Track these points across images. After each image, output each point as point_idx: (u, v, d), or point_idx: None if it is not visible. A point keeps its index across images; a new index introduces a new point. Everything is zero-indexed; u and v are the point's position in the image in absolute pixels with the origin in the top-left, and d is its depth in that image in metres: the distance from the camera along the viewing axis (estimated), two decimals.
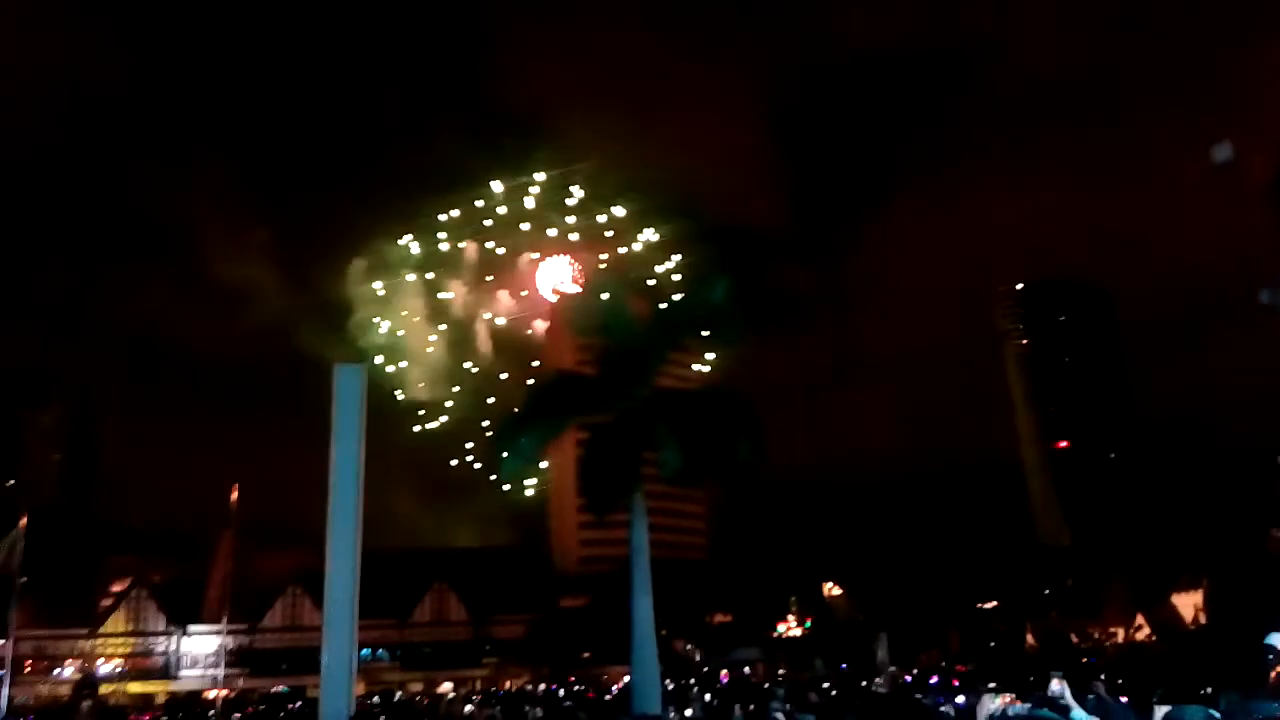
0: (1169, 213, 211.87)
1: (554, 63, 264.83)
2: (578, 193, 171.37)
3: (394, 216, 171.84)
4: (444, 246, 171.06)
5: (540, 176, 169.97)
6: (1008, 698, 18.74)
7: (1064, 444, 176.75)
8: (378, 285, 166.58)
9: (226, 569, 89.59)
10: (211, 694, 78.35)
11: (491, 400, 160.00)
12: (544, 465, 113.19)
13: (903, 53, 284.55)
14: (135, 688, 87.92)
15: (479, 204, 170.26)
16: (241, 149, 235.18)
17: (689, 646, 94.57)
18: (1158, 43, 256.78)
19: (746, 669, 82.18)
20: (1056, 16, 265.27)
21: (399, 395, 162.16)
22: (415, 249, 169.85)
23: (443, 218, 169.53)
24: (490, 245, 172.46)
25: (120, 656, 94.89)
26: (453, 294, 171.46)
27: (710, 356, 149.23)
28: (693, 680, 51.91)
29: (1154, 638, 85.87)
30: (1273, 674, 19.11)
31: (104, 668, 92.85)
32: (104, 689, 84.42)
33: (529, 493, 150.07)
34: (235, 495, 48.04)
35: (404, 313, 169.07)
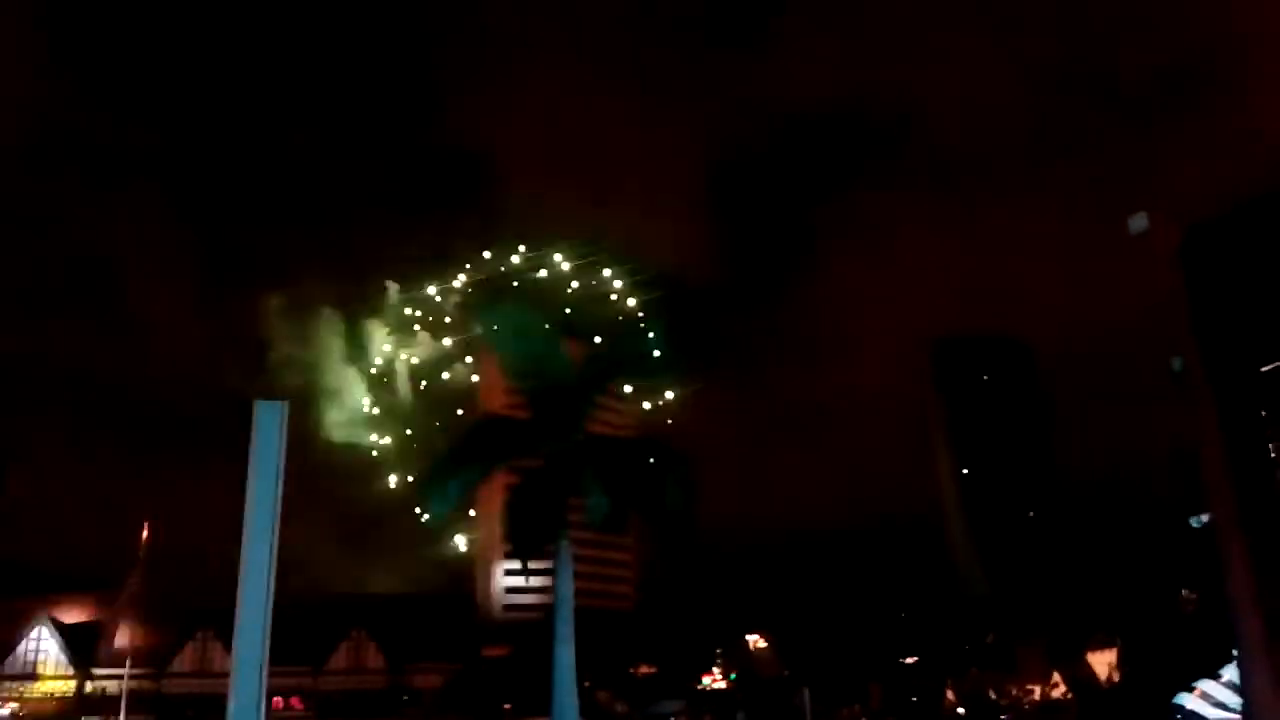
0: (1091, 278, 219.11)
1: (502, 113, 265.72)
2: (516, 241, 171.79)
3: (321, 256, 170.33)
4: (368, 288, 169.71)
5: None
6: None
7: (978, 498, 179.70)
8: (298, 323, 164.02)
9: (134, 611, 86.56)
10: None
11: (418, 443, 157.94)
12: (471, 510, 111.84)
13: (837, 113, 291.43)
14: None
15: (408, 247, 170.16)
16: (170, 183, 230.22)
17: (611, 698, 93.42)
18: (1076, 113, 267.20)
19: None
20: (980, 83, 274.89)
21: (321, 436, 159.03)
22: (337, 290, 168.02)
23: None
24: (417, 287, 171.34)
25: (18, 699, 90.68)
26: (377, 336, 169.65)
27: (642, 404, 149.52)
28: None
29: (1070, 695, 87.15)
30: None
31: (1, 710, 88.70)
32: None
33: (457, 540, 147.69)
34: (145, 535, 46.56)
35: (327, 352, 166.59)
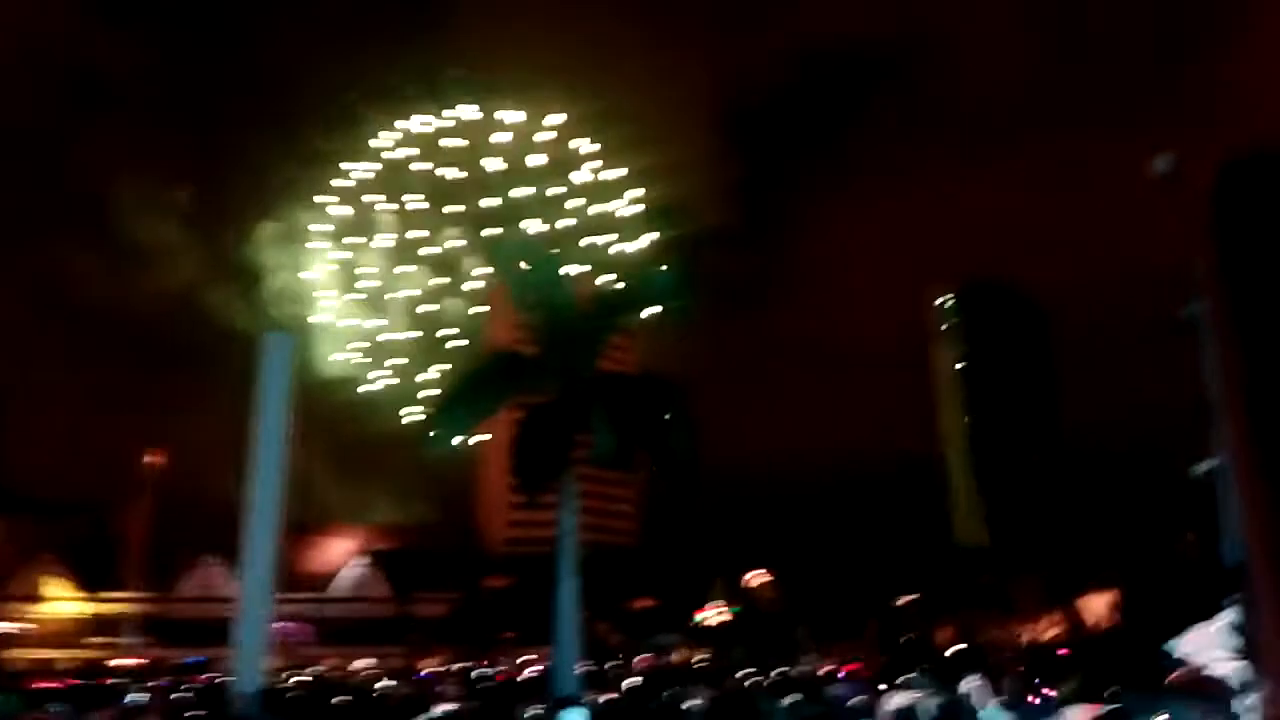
0: (1106, 222, 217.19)
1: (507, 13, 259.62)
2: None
3: (317, 173, 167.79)
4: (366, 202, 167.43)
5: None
6: (917, 694, 18.82)
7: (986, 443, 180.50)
8: (294, 250, 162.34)
9: (140, 535, 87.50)
10: (118, 663, 76.54)
11: (422, 374, 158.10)
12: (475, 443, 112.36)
13: (850, 49, 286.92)
14: (37, 653, 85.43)
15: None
16: (163, 92, 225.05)
17: (611, 630, 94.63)
18: (1101, 52, 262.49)
19: (673, 655, 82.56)
20: (1001, 20, 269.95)
21: (323, 365, 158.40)
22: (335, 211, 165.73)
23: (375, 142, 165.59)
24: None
25: (22, 620, 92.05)
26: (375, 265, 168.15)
27: (649, 339, 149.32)
28: (614, 663, 51.90)
29: (1063, 637, 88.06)
30: (1172, 677, 19.50)
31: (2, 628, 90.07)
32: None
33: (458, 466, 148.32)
34: (155, 460, 46.76)
35: (324, 280, 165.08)
